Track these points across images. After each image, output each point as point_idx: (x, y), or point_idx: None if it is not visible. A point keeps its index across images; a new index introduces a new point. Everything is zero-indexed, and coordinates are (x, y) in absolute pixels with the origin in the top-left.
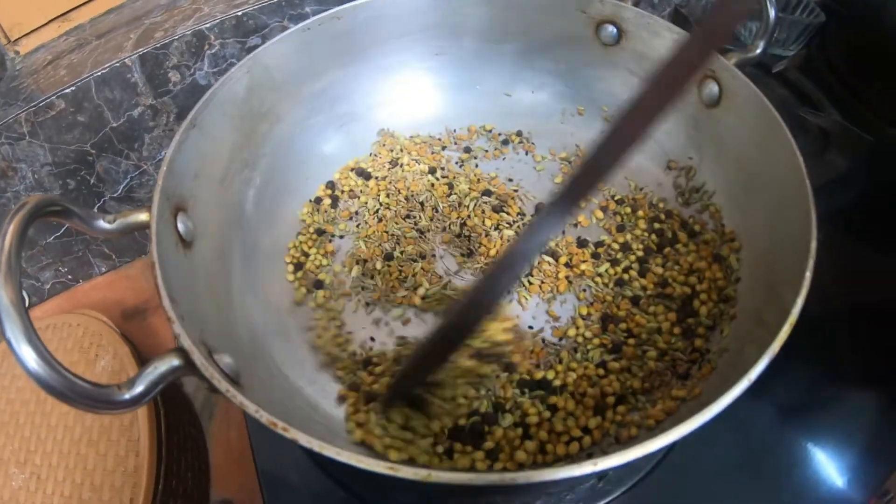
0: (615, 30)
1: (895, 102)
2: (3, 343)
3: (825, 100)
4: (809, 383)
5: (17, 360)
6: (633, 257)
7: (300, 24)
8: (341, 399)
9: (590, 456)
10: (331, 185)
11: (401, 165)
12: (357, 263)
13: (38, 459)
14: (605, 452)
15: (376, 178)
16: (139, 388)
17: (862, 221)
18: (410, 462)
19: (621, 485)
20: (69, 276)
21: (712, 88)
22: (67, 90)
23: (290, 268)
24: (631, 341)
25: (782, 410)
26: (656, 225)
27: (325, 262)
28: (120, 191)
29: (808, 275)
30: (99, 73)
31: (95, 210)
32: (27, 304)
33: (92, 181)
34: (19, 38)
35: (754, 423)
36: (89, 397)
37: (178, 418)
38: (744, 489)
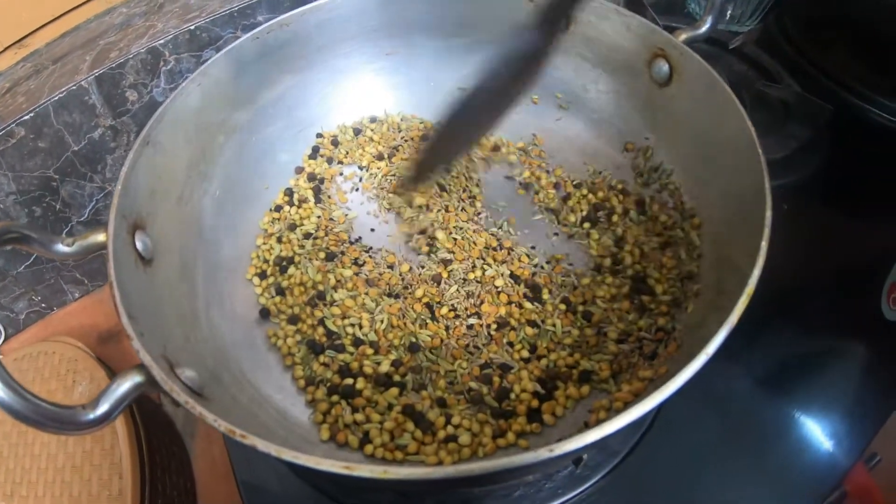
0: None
1: (853, 69)
2: None
3: (784, 72)
4: (786, 351)
5: None
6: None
7: (248, 34)
8: (311, 404)
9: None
10: (289, 191)
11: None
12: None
13: (25, 490)
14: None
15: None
16: (103, 408)
17: (827, 188)
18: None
19: (599, 469)
20: (43, 305)
21: (662, 67)
22: (26, 117)
23: (256, 279)
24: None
25: (760, 381)
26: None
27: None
28: (87, 214)
29: (764, 244)
30: (56, 98)
31: (63, 235)
32: (3, 336)
33: (58, 206)
34: None
35: (732, 397)
36: (54, 419)
37: (160, 438)
38: (727, 464)
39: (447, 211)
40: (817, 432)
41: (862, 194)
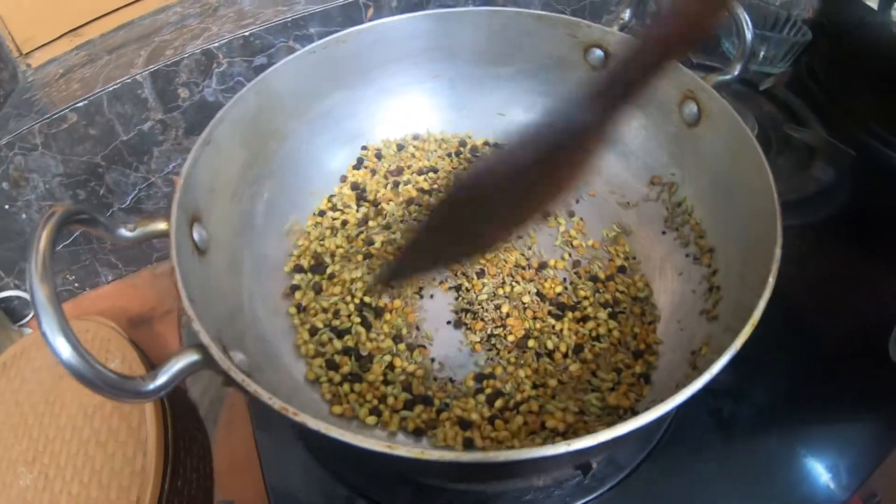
0: (602, 53)
1: (878, 114)
2: (12, 348)
3: (811, 115)
4: (792, 384)
5: (51, 350)
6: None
7: (306, 48)
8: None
9: None
10: (332, 198)
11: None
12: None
13: (47, 459)
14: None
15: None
16: (161, 380)
17: (844, 231)
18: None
19: (606, 482)
20: (76, 285)
21: (692, 108)
22: (80, 104)
23: (296, 275)
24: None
25: (765, 410)
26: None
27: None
28: (128, 202)
29: (771, 280)
30: (111, 88)
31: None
32: (33, 311)
33: (101, 192)
34: (31, 51)
35: (737, 423)
36: (115, 386)
37: (184, 422)
38: (728, 487)
39: None
40: (817, 464)
41: (878, 239)
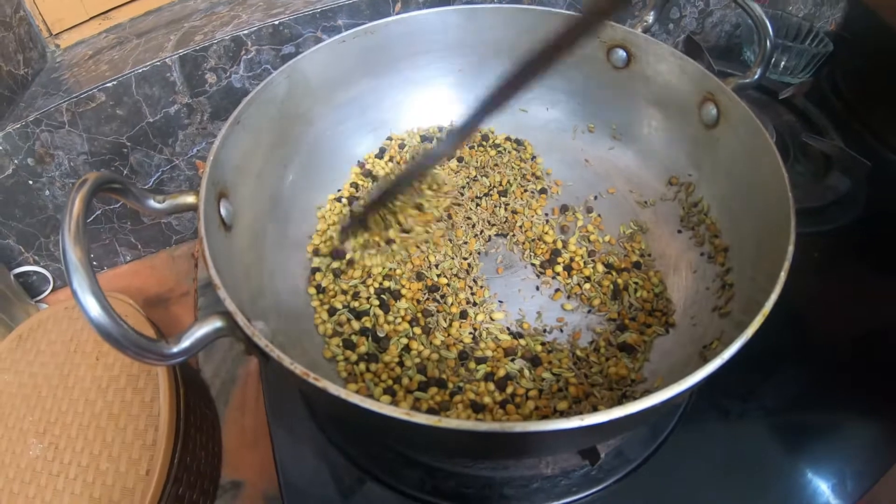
0: (625, 54)
1: None
2: (29, 321)
3: (829, 125)
4: (799, 391)
5: (80, 308)
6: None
7: (337, 36)
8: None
9: None
10: (354, 185)
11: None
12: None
13: (58, 430)
14: None
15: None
16: (185, 344)
17: (860, 242)
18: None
19: (613, 474)
20: (95, 263)
21: (711, 110)
22: (108, 84)
23: (315, 258)
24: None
25: (772, 415)
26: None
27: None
28: (151, 183)
29: (783, 274)
30: (140, 71)
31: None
32: (52, 286)
33: (125, 172)
34: (60, 32)
35: (744, 427)
36: (141, 347)
37: (196, 400)
38: (731, 490)
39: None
40: (822, 469)
41: (891, 250)
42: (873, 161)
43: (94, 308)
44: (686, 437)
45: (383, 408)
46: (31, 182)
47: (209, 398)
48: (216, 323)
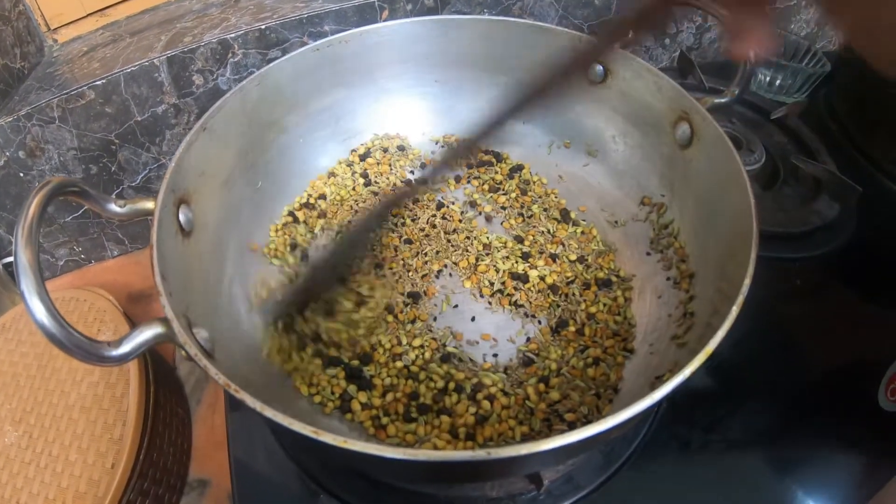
0: (602, 69)
1: (893, 152)
2: (13, 310)
3: (822, 148)
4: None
5: (27, 310)
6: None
7: (309, 45)
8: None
9: None
10: (322, 196)
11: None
12: None
13: (33, 420)
14: None
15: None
16: (125, 348)
17: (844, 269)
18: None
19: (562, 499)
20: (82, 256)
21: (685, 129)
22: (98, 82)
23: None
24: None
25: (736, 446)
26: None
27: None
28: (138, 181)
29: (735, 309)
30: (129, 70)
31: (113, 196)
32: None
33: (113, 169)
34: (58, 27)
35: (706, 457)
36: (82, 348)
37: (167, 398)
38: None
39: None
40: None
41: (878, 279)
42: (866, 186)
43: (39, 310)
44: (643, 466)
45: (293, 423)
46: (21, 174)
47: (182, 396)
48: (157, 329)
